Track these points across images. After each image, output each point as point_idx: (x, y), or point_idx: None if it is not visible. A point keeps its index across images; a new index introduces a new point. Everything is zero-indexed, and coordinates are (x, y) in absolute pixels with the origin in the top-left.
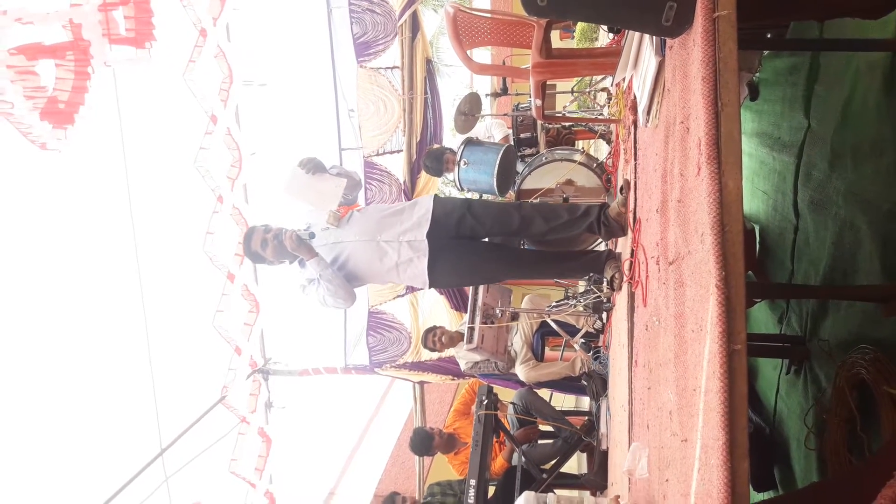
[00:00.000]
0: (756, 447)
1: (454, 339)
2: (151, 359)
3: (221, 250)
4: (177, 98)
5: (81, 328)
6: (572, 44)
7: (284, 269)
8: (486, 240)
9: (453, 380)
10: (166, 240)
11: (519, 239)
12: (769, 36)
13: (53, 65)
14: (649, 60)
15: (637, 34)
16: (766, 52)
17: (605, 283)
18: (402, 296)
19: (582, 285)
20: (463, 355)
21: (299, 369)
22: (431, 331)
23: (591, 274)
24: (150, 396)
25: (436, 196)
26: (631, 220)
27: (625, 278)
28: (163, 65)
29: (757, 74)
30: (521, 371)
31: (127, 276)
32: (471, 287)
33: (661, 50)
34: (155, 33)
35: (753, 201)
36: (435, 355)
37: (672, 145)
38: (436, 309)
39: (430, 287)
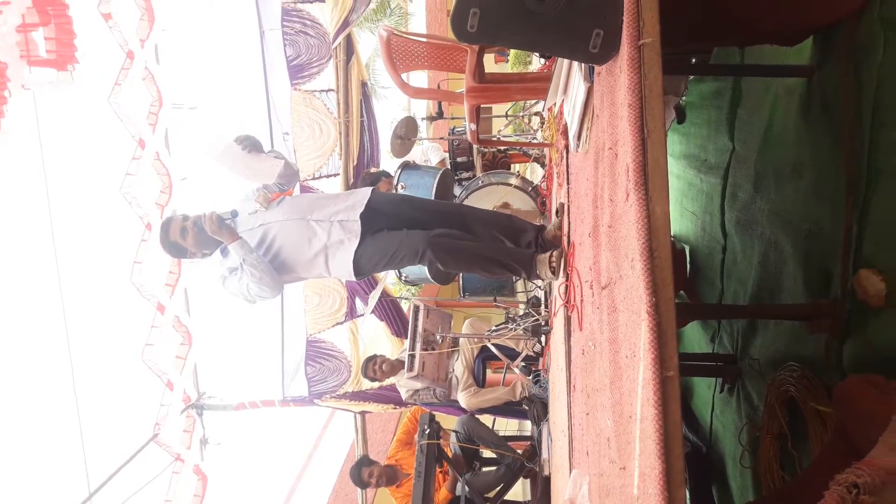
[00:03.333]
0: (694, 467)
1: (395, 367)
2: (77, 396)
3: (150, 280)
4: (102, 122)
5: (1, 364)
6: (506, 67)
7: (217, 299)
8: None
9: (395, 408)
10: (91, 270)
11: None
12: (693, 61)
13: None
14: (578, 86)
15: (567, 60)
16: (691, 77)
17: (546, 271)
18: (342, 323)
19: (521, 308)
20: (404, 384)
21: (235, 403)
22: (372, 360)
23: (519, 268)
24: (77, 436)
25: (375, 189)
26: (565, 243)
27: (564, 259)
28: (87, 88)
29: (683, 98)
30: (462, 398)
31: (50, 309)
32: (411, 313)
33: (589, 76)
34: (78, 55)
35: (683, 222)
36: (376, 384)
37: (602, 171)
38: (376, 336)
39: (357, 276)
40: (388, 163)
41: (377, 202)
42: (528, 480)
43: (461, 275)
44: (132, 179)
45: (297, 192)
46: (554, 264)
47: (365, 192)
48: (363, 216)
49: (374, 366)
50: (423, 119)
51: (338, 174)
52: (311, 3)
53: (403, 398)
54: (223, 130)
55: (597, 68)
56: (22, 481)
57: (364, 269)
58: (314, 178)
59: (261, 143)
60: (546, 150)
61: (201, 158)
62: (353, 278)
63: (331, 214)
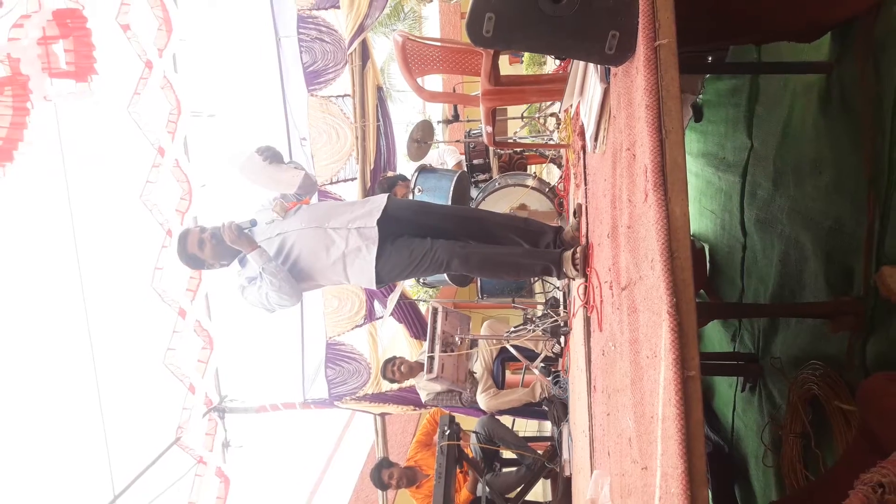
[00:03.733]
0: (715, 467)
1: (414, 368)
2: (101, 400)
3: (172, 286)
4: (122, 131)
5: (27, 370)
6: (521, 68)
7: (238, 304)
8: None
9: (415, 410)
10: (113, 277)
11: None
12: (710, 59)
13: None
14: (595, 88)
15: (582, 62)
16: (707, 75)
17: (570, 268)
18: (361, 325)
19: (540, 309)
20: (424, 386)
21: (256, 406)
22: (391, 361)
23: (551, 266)
24: (102, 440)
25: (390, 195)
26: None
27: (585, 255)
28: (106, 98)
29: (700, 96)
30: (482, 400)
31: (73, 316)
32: (429, 314)
33: (605, 77)
34: (97, 66)
35: (702, 220)
36: (395, 386)
37: (620, 171)
38: (395, 338)
39: (377, 284)
40: (405, 166)
41: (394, 208)
42: (548, 481)
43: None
44: (152, 187)
45: (313, 201)
46: (578, 262)
47: (381, 199)
48: (380, 222)
49: (393, 367)
50: (438, 122)
51: (355, 178)
52: (327, 9)
53: (423, 400)
54: (242, 138)
55: (613, 69)
56: (48, 484)
57: (385, 277)
58: (332, 183)
59: (281, 154)
60: (563, 151)
61: (224, 169)
62: (374, 286)
63: (348, 222)
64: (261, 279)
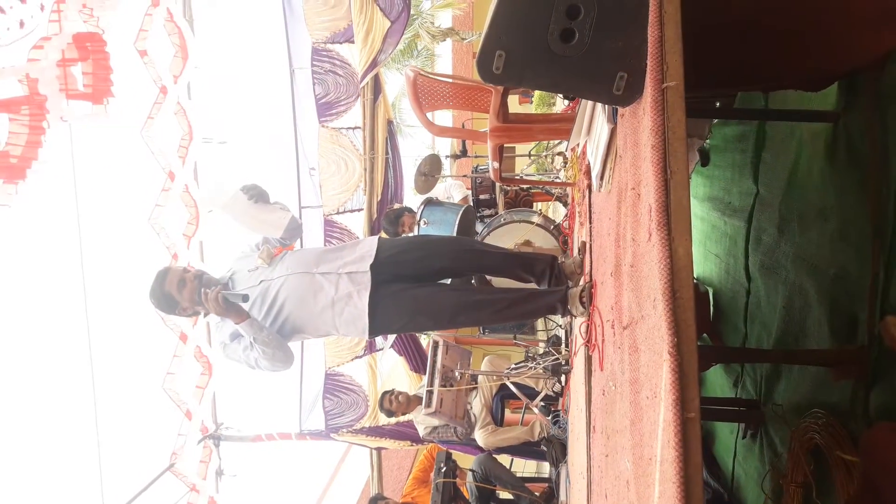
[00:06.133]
0: None
1: (412, 401)
2: (98, 421)
3: None
4: (134, 154)
5: (25, 387)
6: (531, 108)
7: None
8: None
9: (412, 445)
10: (117, 298)
11: (472, 274)
12: (718, 105)
13: (7, 119)
14: (602, 127)
15: (590, 102)
16: (715, 120)
17: (577, 306)
18: (361, 357)
19: (541, 347)
20: (421, 420)
21: (252, 435)
22: (389, 392)
23: (557, 306)
24: (95, 461)
25: (380, 237)
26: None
27: (590, 299)
28: (120, 121)
29: (707, 141)
30: (479, 436)
31: (76, 335)
32: (430, 348)
33: (612, 118)
34: (113, 89)
35: (706, 265)
36: (393, 420)
37: (624, 210)
38: (395, 371)
39: (369, 335)
40: (412, 199)
41: (386, 249)
42: None
43: None
44: (161, 210)
45: (297, 247)
46: (584, 299)
47: (371, 242)
48: (374, 267)
49: (391, 396)
50: (446, 157)
51: (362, 209)
52: (341, 43)
53: (421, 435)
54: (252, 166)
55: (620, 110)
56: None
57: (379, 326)
58: (338, 213)
59: (267, 194)
60: (568, 190)
61: (208, 206)
62: (366, 336)
63: (338, 267)
64: (252, 348)
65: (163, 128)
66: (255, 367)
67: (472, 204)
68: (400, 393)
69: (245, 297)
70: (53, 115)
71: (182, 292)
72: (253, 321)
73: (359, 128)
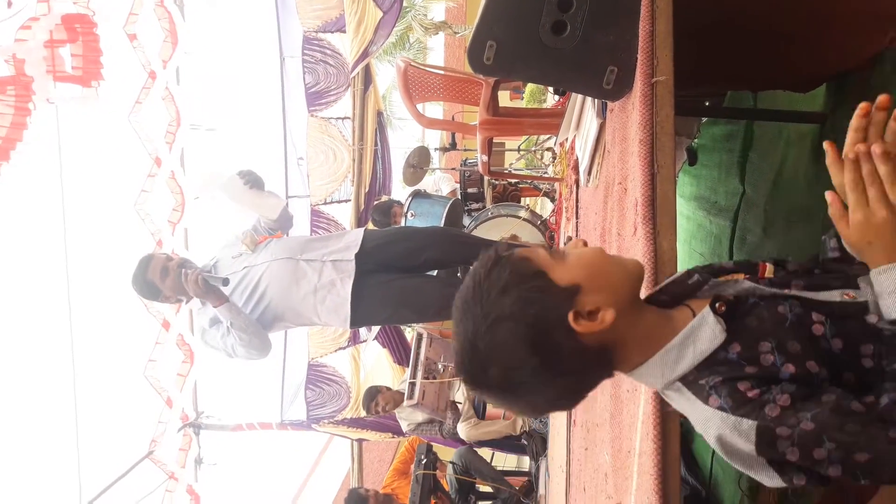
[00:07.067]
0: None
1: (397, 401)
2: (77, 406)
3: None
4: (121, 139)
5: (4, 370)
6: (521, 104)
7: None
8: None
9: (393, 437)
10: (100, 282)
11: (458, 267)
12: (707, 104)
13: None
14: (591, 122)
15: (580, 96)
16: (704, 119)
17: None
18: (345, 348)
19: None
20: (405, 416)
21: (233, 424)
22: (373, 397)
23: None
24: (74, 446)
25: (367, 228)
26: None
27: None
28: (108, 105)
29: (695, 140)
30: (462, 429)
31: (58, 320)
32: (414, 340)
33: (602, 112)
34: (102, 72)
35: (691, 263)
36: None
37: (611, 205)
38: (378, 363)
39: (351, 325)
40: (400, 191)
41: (372, 239)
42: None
43: None
44: (147, 196)
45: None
46: None
47: (358, 233)
48: (358, 256)
49: (376, 405)
50: (436, 149)
51: (349, 200)
52: (333, 32)
53: (404, 430)
54: (239, 154)
55: (609, 105)
56: (14, 489)
57: (361, 317)
58: (325, 203)
59: (262, 181)
60: (556, 185)
61: (203, 190)
62: (347, 326)
63: (323, 255)
64: (228, 333)
65: (151, 113)
66: (231, 354)
67: (460, 197)
68: (385, 400)
69: (225, 281)
70: (40, 97)
71: (164, 281)
72: (231, 305)
73: (348, 118)
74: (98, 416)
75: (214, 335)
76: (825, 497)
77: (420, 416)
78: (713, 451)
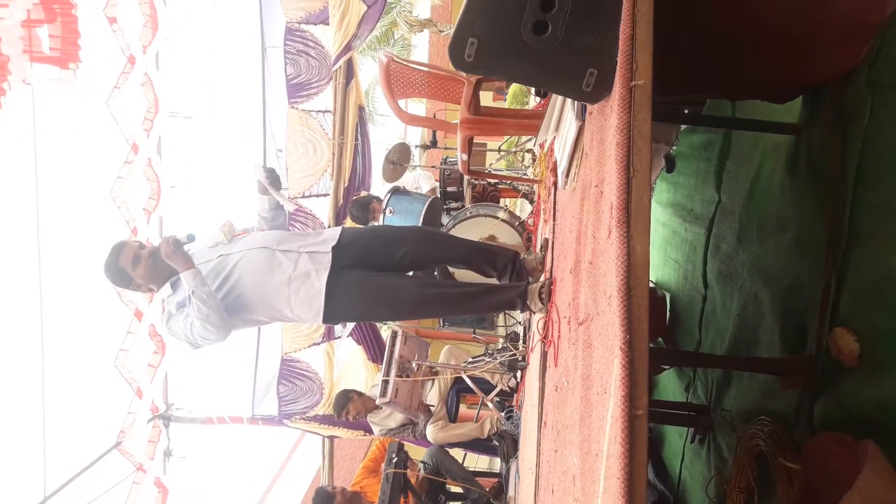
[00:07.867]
0: None
1: (368, 408)
2: (45, 393)
3: None
4: (98, 124)
5: None
6: (504, 105)
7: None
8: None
9: (365, 435)
10: (73, 269)
11: (435, 266)
12: (686, 112)
13: None
14: (570, 124)
15: (560, 98)
16: (683, 127)
17: (536, 301)
18: (319, 344)
19: (501, 342)
20: (377, 422)
21: (203, 417)
22: (344, 407)
23: (517, 301)
24: (39, 435)
25: (344, 226)
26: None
27: (549, 289)
28: (86, 88)
29: (674, 148)
30: (430, 431)
31: (28, 305)
32: (388, 338)
33: (581, 115)
34: (81, 55)
35: (665, 269)
36: None
37: (587, 208)
38: (352, 360)
39: (324, 320)
40: (379, 187)
41: (349, 235)
42: None
43: None
44: (123, 183)
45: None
46: (543, 295)
47: (336, 229)
48: (335, 250)
49: (347, 415)
50: (416, 147)
51: (328, 194)
52: (316, 24)
53: (375, 433)
54: (217, 143)
55: (589, 108)
56: None
57: (335, 312)
58: (303, 197)
59: (280, 181)
60: (535, 187)
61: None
62: (320, 321)
63: (300, 246)
64: (189, 304)
65: (129, 99)
66: (190, 336)
67: (439, 196)
68: (356, 410)
69: (190, 237)
70: (16, 77)
71: (136, 269)
72: (197, 272)
73: (329, 111)
74: (66, 404)
75: (178, 320)
76: (795, 499)
77: (393, 423)
78: (682, 457)
